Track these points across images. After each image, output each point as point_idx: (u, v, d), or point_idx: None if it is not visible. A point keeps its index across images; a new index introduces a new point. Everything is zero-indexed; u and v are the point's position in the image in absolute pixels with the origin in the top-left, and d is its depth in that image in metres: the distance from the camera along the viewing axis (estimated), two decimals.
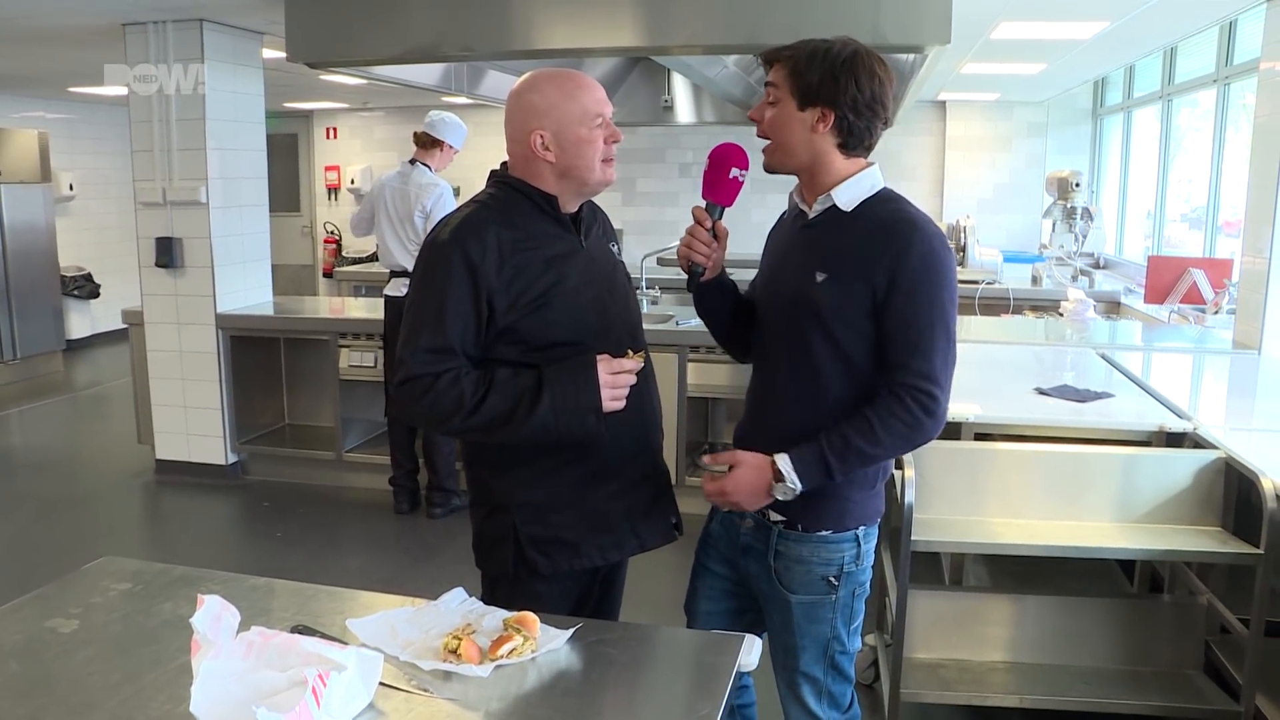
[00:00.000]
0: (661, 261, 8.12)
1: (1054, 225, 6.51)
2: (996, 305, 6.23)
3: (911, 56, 5.11)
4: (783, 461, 1.83)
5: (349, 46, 4.52)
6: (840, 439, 1.81)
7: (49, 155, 8.47)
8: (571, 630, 1.62)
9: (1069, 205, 6.32)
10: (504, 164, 2.03)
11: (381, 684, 1.49)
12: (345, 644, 1.55)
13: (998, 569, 3.49)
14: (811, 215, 1.93)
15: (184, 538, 5.06)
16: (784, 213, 2.10)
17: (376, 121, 11.19)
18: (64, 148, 9.20)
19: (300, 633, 1.63)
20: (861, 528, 1.97)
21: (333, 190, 11.47)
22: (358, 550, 4.78)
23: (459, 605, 1.75)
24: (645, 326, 2.17)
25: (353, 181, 11.23)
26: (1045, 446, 2.99)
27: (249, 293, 5.67)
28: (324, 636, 1.61)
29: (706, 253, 1.99)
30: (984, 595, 3.17)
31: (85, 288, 9.23)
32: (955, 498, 2.88)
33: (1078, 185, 6.25)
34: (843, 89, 1.81)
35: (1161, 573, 3.26)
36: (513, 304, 1.87)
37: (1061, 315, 5.31)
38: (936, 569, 3.64)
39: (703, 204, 1.99)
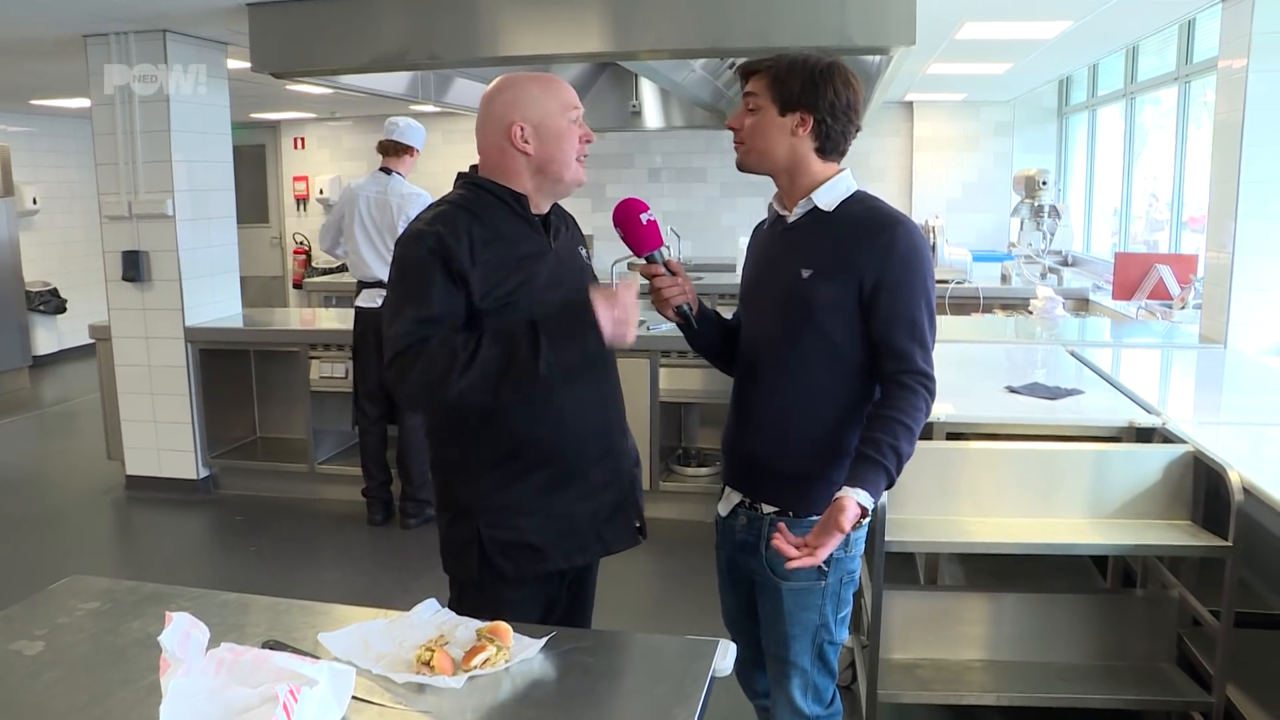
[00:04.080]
0: (632, 266, 8.13)
1: (1022, 224, 6.56)
2: (967, 304, 6.27)
3: (877, 58, 5.14)
4: (856, 495, 1.80)
5: (314, 56, 4.50)
6: (891, 451, 1.85)
7: (10, 169, 8.36)
8: (545, 639, 1.61)
9: (1036, 203, 6.37)
10: (472, 167, 2.04)
11: (355, 698, 1.48)
12: (317, 658, 1.54)
13: (973, 568, 3.51)
14: (792, 218, 2.03)
15: (156, 554, 5.00)
16: (761, 222, 2.19)
17: (345, 131, 11.13)
18: (26, 161, 9.07)
19: (272, 648, 1.61)
20: None
21: (301, 201, 11.39)
22: (333, 562, 4.75)
23: (431, 616, 1.74)
24: None
25: (321, 191, 11.15)
26: (1016, 445, 3.01)
27: (218, 305, 5.61)
28: (296, 651, 1.60)
29: (679, 290, 2.06)
30: (958, 594, 3.19)
31: (51, 303, 9.10)
32: (928, 497, 2.89)
33: (1044, 183, 6.31)
34: (822, 95, 1.92)
35: (1134, 567, 3.28)
36: (484, 295, 1.88)
37: (1031, 313, 5.35)
38: (912, 569, 3.65)
39: (641, 260, 2.07)
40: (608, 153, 10.01)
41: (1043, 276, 6.55)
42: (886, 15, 3.93)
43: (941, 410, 3.14)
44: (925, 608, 3.04)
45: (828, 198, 1.99)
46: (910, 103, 9.29)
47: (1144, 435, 3.05)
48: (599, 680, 1.54)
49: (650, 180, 10.09)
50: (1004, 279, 6.62)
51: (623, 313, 1.84)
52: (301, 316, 6.53)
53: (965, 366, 3.97)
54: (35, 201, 9.14)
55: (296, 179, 11.38)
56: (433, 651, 1.55)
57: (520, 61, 4.70)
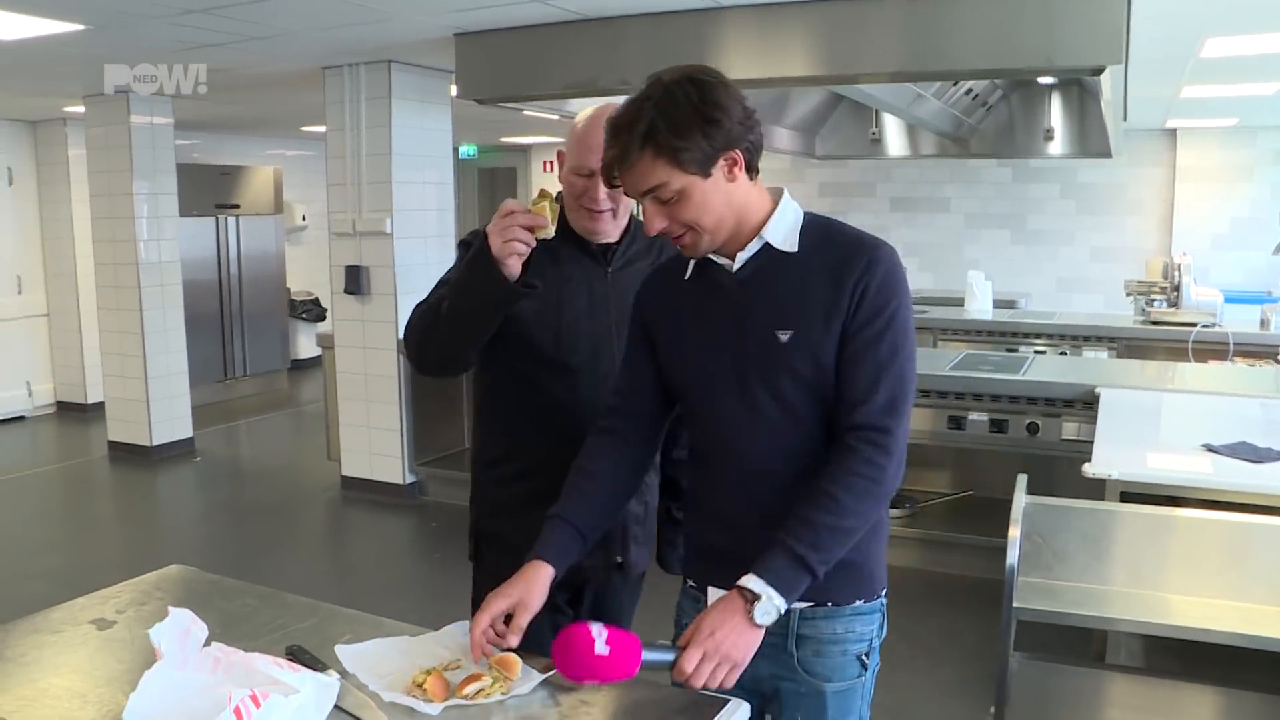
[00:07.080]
0: None
1: None
2: (1213, 351, 5.63)
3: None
4: (751, 581, 1.53)
5: (512, 83, 4.69)
6: (804, 526, 1.55)
7: (282, 189, 9.25)
8: (543, 676, 1.55)
9: None
10: None
11: (343, 711, 1.48)
12: (325, 667, 1.56)
13: (1156, 647, 3.10)
14: (737, 267, 1.66)
15: (352, 552, 5.31)
16: (651, 279, 1.83)
17: None
18: (300, 181, 10.02)
19: (292, 654, 1.64)
20: (884, 590, 1.77)
21: None
22: None
23: (459, 639, 1.71)
24: None
25: None
26: (1195, 512, 2.64)
27: None
28: (311, 659, 1.62)
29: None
30: (1127, 676, 2.83)
31: (313, 311, 9.95)
32: (1084, 563, 2.60)
33: None
34: (722, 123, 1.55)
35: None
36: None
37: (1278, 362, 4.72)
38: (1088, 642, 3.28)
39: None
40: (849, 181, 9.84)
41: None
42: (1092, 33, 3.62)
43: (1114, 466, 2.81)
44: (1078, 686, 2.73)
45: (781, 235, 1.65)
46: (1173, 130, 8.48)
47: None
48: None
49: (892, 209, 9.80)
50: (1263, 324, 5.88)
51: (508, 231, 1.77)
52: None
53: (1170, 419, 3.55)
54: (304, 219, 10.05)
55: None
56: (429, 674, 1.53)
57: None
